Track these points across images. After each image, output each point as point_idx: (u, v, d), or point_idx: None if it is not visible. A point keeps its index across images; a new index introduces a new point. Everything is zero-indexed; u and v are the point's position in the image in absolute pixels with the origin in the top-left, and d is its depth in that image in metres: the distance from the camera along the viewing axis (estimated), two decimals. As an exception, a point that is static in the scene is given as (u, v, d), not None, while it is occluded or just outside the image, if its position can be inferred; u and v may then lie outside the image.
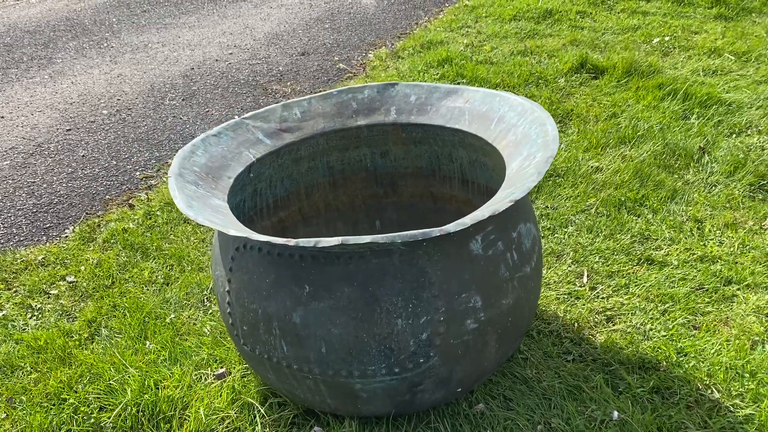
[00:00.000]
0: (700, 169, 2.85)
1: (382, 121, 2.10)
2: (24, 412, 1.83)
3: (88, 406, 1.81)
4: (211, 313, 2.18)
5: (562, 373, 1.81)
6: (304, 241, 1.35)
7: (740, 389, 1.70)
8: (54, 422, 1.78)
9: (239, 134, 1.97)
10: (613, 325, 1.98)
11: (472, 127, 1.95)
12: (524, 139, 1.74)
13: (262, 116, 2.05)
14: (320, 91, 4.22)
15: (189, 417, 1.74)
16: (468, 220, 1.37)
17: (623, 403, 1.69)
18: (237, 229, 1.43)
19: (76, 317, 2.24)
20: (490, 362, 1.64)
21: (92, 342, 2.11)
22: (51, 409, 1.83)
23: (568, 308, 2.07)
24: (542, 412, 1.69)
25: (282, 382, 1.64)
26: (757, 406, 1.64)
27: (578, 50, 4.30)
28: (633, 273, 2.21)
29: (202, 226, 2.69)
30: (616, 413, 1.64)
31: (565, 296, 2.12)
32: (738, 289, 2.09)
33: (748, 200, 2.61)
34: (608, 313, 2.03)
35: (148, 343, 2.03)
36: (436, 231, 1.34)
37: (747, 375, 1.74)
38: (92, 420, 1.77)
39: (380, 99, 2.12)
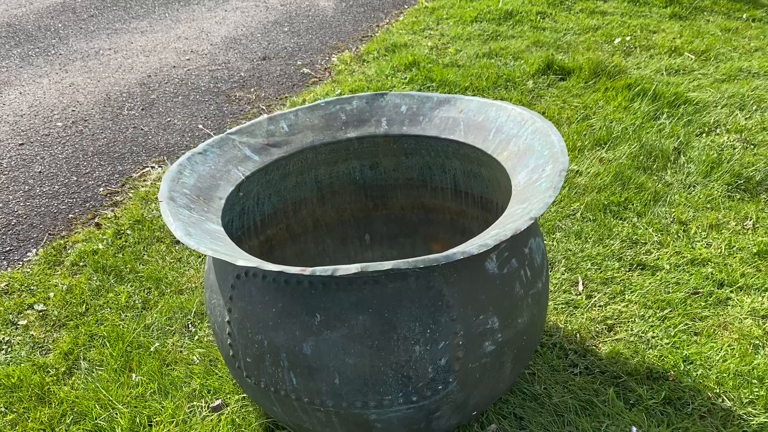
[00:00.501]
0: (677, 170, 2.88)
1: (373, 133, 2.02)
2: (2, 459, 1.69)
3: (75, 449, 1.69)
4: (197, 339, 2.06)
5: (572, 387, 1.77)
6: (320, 270, 1.27)
7: (750, 396, 1.70)
8: (38, 469, 1.65)
9: (226, 151, 1.87)
10: (615, 334, 1.96)
11: (469, 138, 1.90)
12: (527, 150, 1.70)
13: (248, 131, 1.95)
14: (285, 97, 4.11)
15: (187, 455, 1.64)
16: (491, 240, 1.31)
17: (637, 417, 1.66)
18: (245, 259, 1.34)
19: (50, 349, 2.10)
20: (505, 383, 1.59)
21: (71, 376, 1.97)
22: (32, 454, 1.70)
23: (568, 318, 2.04)
24: (556, 430, 1.65)
25: (289, 415, 1.56)
26: (770, 413, 1.64)
27: (543, 52, 4.31)
28: (627, 279, 2.20)
29: (178, 244, 2.57)
30: (634, 429, 1.61)
31: (563, 306, 2.09)
32: (731, 292, 2.10)
33: (727, 200, 2.64)
34: (608, 322, 2.01)
35: (134, 375, 1.91)
36: (458, 254, 1.28)
37: (755, 381, 1.74)
38: (80, 464, 1.65)
39: (369, 110, 2.05)
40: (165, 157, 3.39)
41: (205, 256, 2.51)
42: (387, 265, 1.26)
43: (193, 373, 1.91)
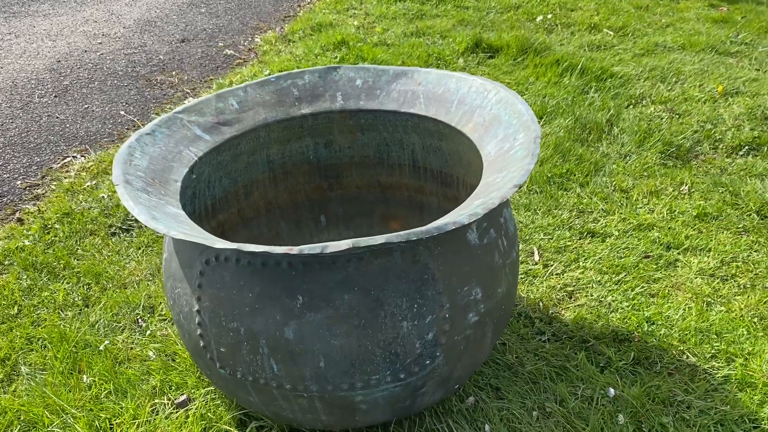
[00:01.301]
0: (612, 140, 2.96)
1: (329, 109, 1.95)
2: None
3: (28, 461, 1.55)
4: (150, 335, 1.94)
5: (543, 354, 1.79)
6: (308, 248, 1.20)
7: (712, 351, 1.76)
8: (-13, 486, 1.50)
9: (174, 131, 1.75)
10: (576, 300, 1.99)
11: (430, 110, 1.86)
12: (494, 120, 1.68)
13: (196, 109, 1.83)
14: (210, 80, 3.94)
15: (157, 456, 1.53)
16: (480, 209, 1.28)
17: (610, 378, 1.69)
18: (223, 242, 1.25)
19: (-19, 356, 1.91)
20: (485, 354, 1.58)
21: (11, 383, 1.80)
22: (-22, 470, 1.54)
23: (529, 288, 2.05)
24: (534, 398, 1.66)
25: (267, 405, 1.48)
26: (731, 366, 1.71)
27: (470, 30, 4.33)
28: (579, 247, 2.24)
29: (114, 236, 2.41)
30: (612, 390, 1.64)
31: (523, 276, 2.11)
32: (679, 254, 2.18)
33: (662, 168, 2.74)
34: (568, 289, 2.04)
35: (84, 377, 1.77)
36: (450, 224, 1.24)
37: (714, 336, 1.81)
38: (35, 476, 1.51)
39: (323, 84, 1.97)
40: (87, 146, 3.17)
41: (151, 245, 2.37)
42: (379, 239, 1.21)
43: (151, 369, 1.79)
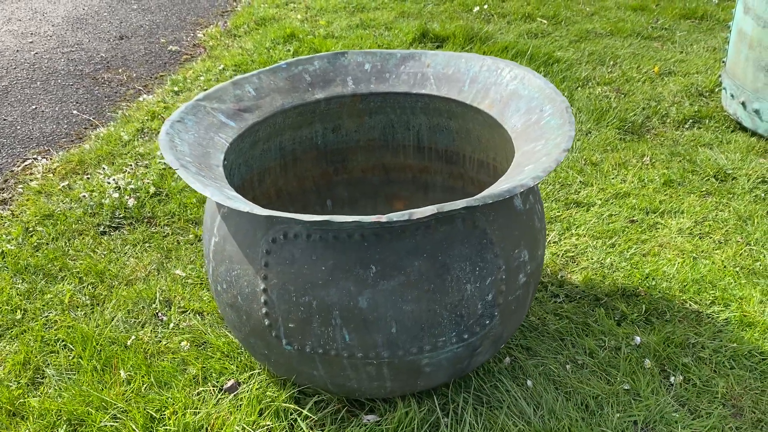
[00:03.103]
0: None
1: (341, 93, 2.00)
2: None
3: (85, 458, 1.51)
4: (174, 327, 1.92)
5: (563, 314, 1.92)
6: (397, 215, 1.26)
7: (711, 298, 1.95)
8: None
9: (201, 118, 1.75)
10: (579, 264, 2.14)
11: (442, 90, 1.95)
12: (513, 96, 1.79)
13: (216, 96, 1.83)
14: (161, 76, 3.85)
15: (221, 439, 1.54)
16: (541, 173, 1.38)
17: (628, 330, 1.84)
18: (311, 216, 1.28)
19: (-5, 363, 1.83)
20: (525, 314, 1.69)
21: (38, 387, 1.74)
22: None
23: (532, 256, 2.18)
24: (565, 353, 1.79)
25: (333, 376, 1.52)
26: (730, 310, 1.91)
27: (414, 21, 4.45)
28: (569, 216, 2.40)
29: (105, 234, 2.35)
30: (638, 338, 1.79)
31: (524, 246, 2.23)
32: (657, 217, 2.38)
33: (621, 142, 2.95)
34: (569, 254, 2.19)
35: (122, 372, 1.73)
36: (518, 187, 1.34)
37: (709, 285, 2.00)
38: (96, 472, 1.48)
39: (333, 70, 2.02)
40: (48, 147, 3.04)
41: (147, 240, 2.32)
42: (460, 203, 1.28)
43: (188, 360, 1.78)
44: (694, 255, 2.17)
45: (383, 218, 1.26)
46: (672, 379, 1.69)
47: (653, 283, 2.01)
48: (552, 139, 1.53)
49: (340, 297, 1.40)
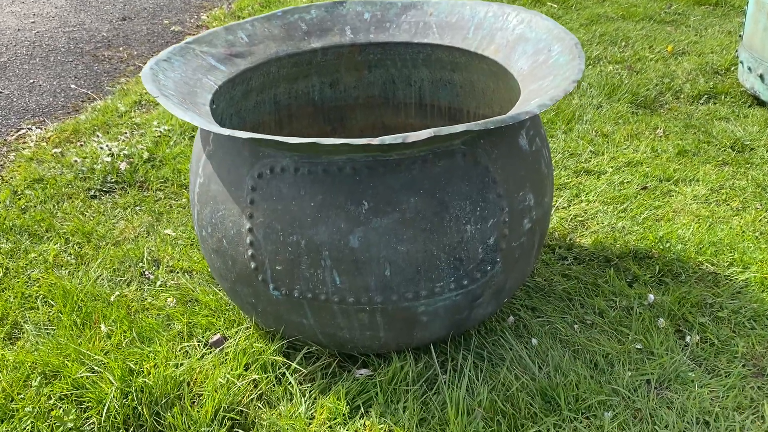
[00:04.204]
0: (582, 94, 3.05)
1: (339, 43, 1.90)
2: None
3: (60, 411, 1.41)
4: (161, 285, 1.82)
5: (571, 275, 1.81)
6: (390, 138, 1.16)
7: (728, 260, 1.84)
8: (15, 439, 1.36)
9: (189, 60, 1.66)
10: (588, 228, 2.03)
11: (445, 39, 1.85)
12: (520, 39, 1.69)
13: (206, 41, 1.75)
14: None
15: (203, 393, 1.44)
16: (548, 101, 1.28)
17: (641, 290, 1.73)
18: (296, 138, 1.19)
19: (-28, 319, 1.75)
20: (530, 267, 1.58)
21: (15, 341, 1.65)
22: (-1, 425, 1.40)
23: (540, 221, 2.08)
24: (573, 312, 1.68)
25: (324, 325, 1.42)
26: (749, 271, 1.79)
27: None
28: (579, 184, 2.29)
29: (96, 198, 2.26)
30: (651, 296, 1.67)
31: (531, 211, 2.13)
32: (672, 185, 2.27)
33: (633, 116, 2.84)
34: (578, 219, 2.08)
35: (102, 326, 1.64)
36: (522, 114, 1.24)
37: (726, 248, 1.89)
38: (69, 425, 1.38)
39: (331, 19, 1.92)
40: (43, 118, 2.97)
41: (138, 204, 2.23)
42: (459, 127, 1.18)
43: (172, 316, 1.69)
44: (711, 220, 2.05)
45: (375, 141, 1.16)
46: (688, 338, 1.57)
47: (667, 245, 1.90)
48: (561, 74, 1.43)
49: (330, 236, 1.31)
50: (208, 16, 4.32)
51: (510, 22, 1.75)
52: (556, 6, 4.50)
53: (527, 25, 1.70)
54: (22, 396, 1.46)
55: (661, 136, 2.65)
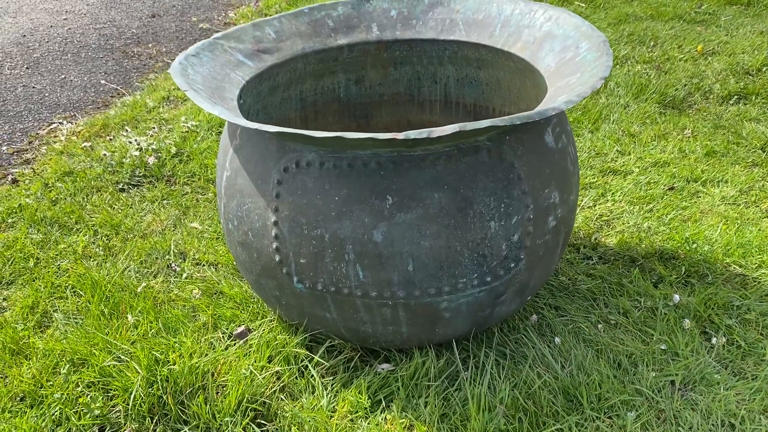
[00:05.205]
0: (610, 93, 3.02)
1: (365, 39, 1.91)
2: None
3: (87, 398, 1.44)
4: (187, 277, 1.85)
5: (596, 274, 1.80)
6: (414, 133, 1.17)
7: (757, 262, 1.81)
8: (44, 426, 1.39)
9: (217, 55, 1.68)
10: (614, 228, 2.02)
11: (471, 36, 1.85)
12: (547, 36, 1.68)
13: (234, 36, 1.77)
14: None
15: (227, 384, 1.45)
16: (575, 97, 1.27)
17: (666, 291, 1.71)
18: (324, 133, 1.20)
19: (4, 308, 1.79)
20: (554, 265, 1.57)
21: (45, 329, 1.69)
22: (25, 413, 1.43)
23: (564, 220, 2.06)
24: (596, 312, 1.67)
25: (347, 319, 1.43)
26: (778, 274, 1.76)
27: None
28: (604, 183, 2.27)
29: (124, 191, 2.30)
30: (677, 296, 1.66)
31: (555, 210, 2.12)
32: (700, 185, 2.24)
33: (661, 116, 2.81)
34: (604, 218, 2.06)
35: (129, 316, 1.67)
36: (549, 110, 1.23)
37: (755, 250, 1.86)
38: (96, 412, 1.41)
39: (357, 15, 1.93)
40: (74, 113, 3.02)
41: (166, 197, 2.26)
42: (485, 123, 1.18)
43: (199, 307, 1.71)
44: (740, 222, 2.02)
45: (400, 135, 1.17)
46: (714, 340, 1.55)
47: (694, 246, 1.88)
48: (588, 71, 1.43)
49: (354, 230, 1.31)
50: (235, 14, 4.36)
51: (537, 19, 1.74)
52: (583, 5, 4.47)
53: (554, 22, 1.69)
54: (51, 383, 1.49)
55: (689, 137, 2.61)
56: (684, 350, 1.52)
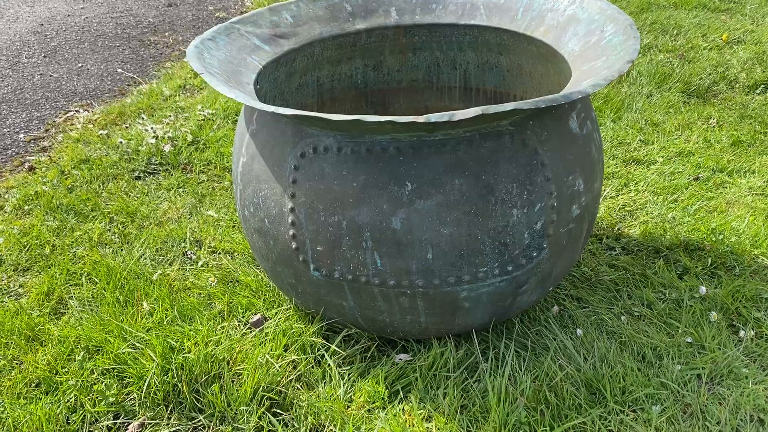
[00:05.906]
0: (632, 83, 2.96)
1: (383, 24, 1.88)
2: (3, 412, 1.39)
3: (102, 385, 1.43)
4: (203, 265, 1.83)
5: (619, 266, 1.75)
6: (436, 116, 1.13)
7: (786, 254, 1.76)
8: (59, 413, 1.38)
9: (234, 39, 1.65)
10: (638, 218, 1.97)
11: (493, 20, 1.81)
12: (571, 20, 1.64)
13: (251, 21, 1.74)
14: (207, 41, 3.81)
15: (242, 372, 1.43)
16: (602, 80, 1.23)
17: (691, 283, 1.67)
18: (343, 115, 1.17)
19: (20, 294, 1.78)
20: (577, 254, 1.53)
21: (60, 316, 1.68)
22: (41, 399, 1.42)
23: (586, 210, 2.02)
24: (620, 304, 1.62)
25: (364, 308, 1.40)
26: (808, 266, 1.71)
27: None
28: (628, 173, 2.22)
29: (140, 179, 2.29)
30: (703, 288, 1.61)
31: (577, 200, 2.07)
32: (726, 176, 2.18)
33: (685, 105, 2.75)
34: (627, 209, 2.02)
35: (145, 304, 1.65)
36: (576, 93, 1.19)
37: (784, 241, 1.80)
38: (111, 399, 1.39)
39: (375, 0, 1.90)
40: (90, 101, 3.01)
41: (182, 186, 2.25)
42: (508, 106, 1.15)
43: (214, 295, 1.69)
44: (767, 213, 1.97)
45: (420, 119, 1.13)
46: (741, 333, 1.51)
47: (720, 237, 1.83)
48: (614, 55, 1.38)
49: (372, 217, 1.28)
50: (252, 3, 4.33)
51: (561, 2, 1.69)
52: (605, -7, 4.39)
53: (579, 6, 1.64)
54: (66, 369, 1.48)
55: (714, 126, 2.55)
56: (711, 343, 1.47)
